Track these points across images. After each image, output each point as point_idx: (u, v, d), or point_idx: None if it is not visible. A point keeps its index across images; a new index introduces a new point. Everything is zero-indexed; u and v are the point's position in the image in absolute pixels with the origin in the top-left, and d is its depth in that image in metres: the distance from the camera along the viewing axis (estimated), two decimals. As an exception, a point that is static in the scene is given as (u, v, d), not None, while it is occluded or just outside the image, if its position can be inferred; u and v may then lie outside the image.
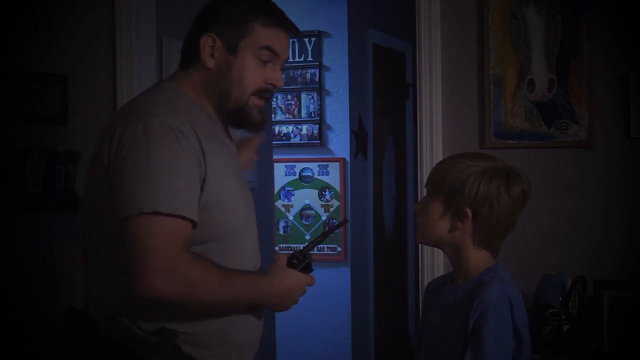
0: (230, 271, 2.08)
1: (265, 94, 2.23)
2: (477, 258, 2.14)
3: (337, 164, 5.63)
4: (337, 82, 5.66)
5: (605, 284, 2.93)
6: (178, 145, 2.04)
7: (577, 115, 3.11)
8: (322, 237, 2.27)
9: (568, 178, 3.15)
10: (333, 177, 5.65)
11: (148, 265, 1.97)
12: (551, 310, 2.82)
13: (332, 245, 5.53)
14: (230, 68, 2.18)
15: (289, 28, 2.24)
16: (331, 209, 5.67)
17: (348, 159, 5.64)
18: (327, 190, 5.67)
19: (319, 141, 5.66)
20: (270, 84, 2.21)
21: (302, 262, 2.19)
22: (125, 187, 2.02)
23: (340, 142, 5.66)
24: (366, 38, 5.89)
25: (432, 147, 3.24)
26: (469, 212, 2.10)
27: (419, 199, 3.29)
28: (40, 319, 3.27)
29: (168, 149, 2.03)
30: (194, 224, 2.05)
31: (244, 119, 2.22)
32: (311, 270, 2.22)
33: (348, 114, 5.63)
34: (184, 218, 2.02)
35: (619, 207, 3.11)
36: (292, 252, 2.21)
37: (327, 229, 5.57)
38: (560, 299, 2.91)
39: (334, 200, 5.66)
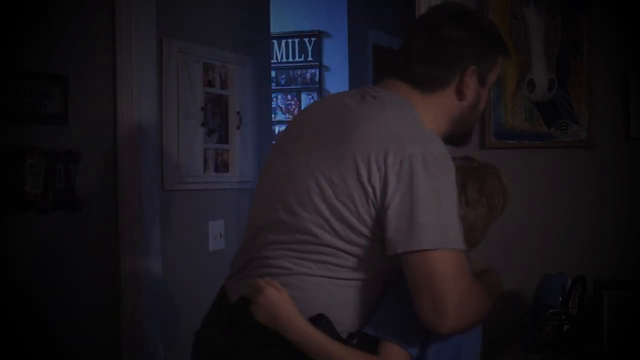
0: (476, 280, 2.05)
1: None
2: None
3: (337, 164, 5.60)
4: (337, 82, 5.65)
5: (605, 284, 2.93)
6: (452, 173, 2.00)
7: (577, 115, 3.11)
8: None
9: (568, 178, 3.15)
10: (333, 177, 5.62)
11: (447, 305, 1.89)
12: (551, 310, 2.82)
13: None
14: (480, 100, 2.20)
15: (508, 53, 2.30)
16: (331, 209, 5.64)
17: (348, 159, 5.62)
18: (327, 190, 5.64)
19: (319, 141, 5.63)
20: None
21: None
22: (415, 218, 1.91)
23: (340, 142, 5.64)
24: (366, 38, 5.88)
25: (432, 147, 3.23)
26: None
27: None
28: (40, 319, 3.27)
29: (448, 179, 1.97)
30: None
31: (466, 139, 2.29)
32: None
33: (348, 114, 5.61)
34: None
35: (619, 207, 3.11)
36: None
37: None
38: (560, 299, 2.90)
39: (334, 200, 5.63)
